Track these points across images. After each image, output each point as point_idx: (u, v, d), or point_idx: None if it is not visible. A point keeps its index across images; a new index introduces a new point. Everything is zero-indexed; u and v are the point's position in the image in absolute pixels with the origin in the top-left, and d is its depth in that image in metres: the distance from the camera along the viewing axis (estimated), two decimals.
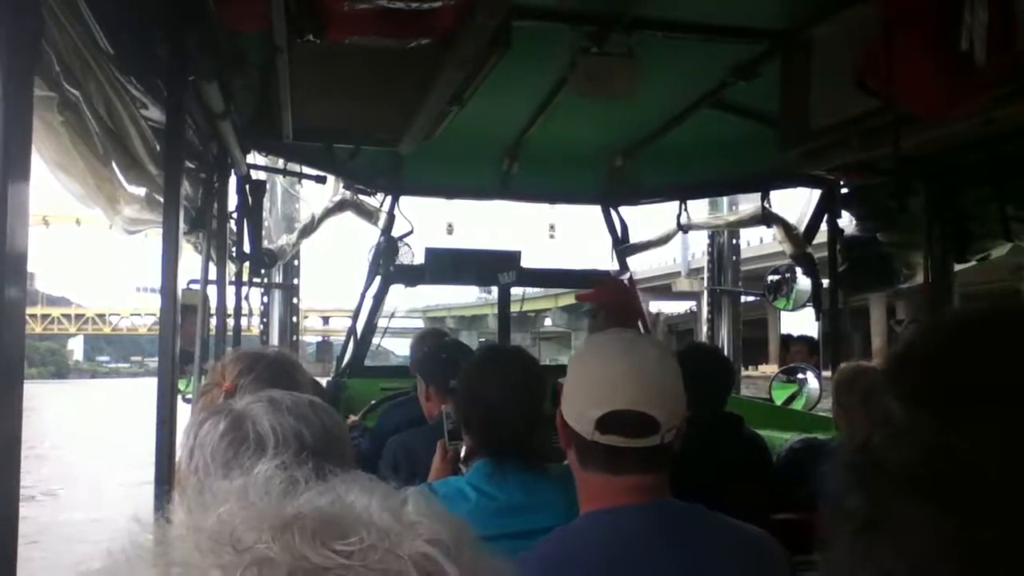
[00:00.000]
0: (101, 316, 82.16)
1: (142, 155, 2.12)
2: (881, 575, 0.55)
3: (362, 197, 4.93)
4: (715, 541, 1.47)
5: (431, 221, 5.38)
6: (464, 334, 46.65)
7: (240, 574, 0.45)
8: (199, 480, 1.26)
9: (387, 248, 4.89)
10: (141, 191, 2.28)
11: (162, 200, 2.33)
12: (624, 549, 1.42)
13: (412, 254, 5.00)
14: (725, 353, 6.70)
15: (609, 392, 1.45)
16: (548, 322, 49.32)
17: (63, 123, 1.63)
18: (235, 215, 3.89)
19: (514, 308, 5.31)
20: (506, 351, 2.38)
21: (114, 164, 1.97)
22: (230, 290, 3.94)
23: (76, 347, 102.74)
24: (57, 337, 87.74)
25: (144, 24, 2.06)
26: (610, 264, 5.37)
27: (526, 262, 4.97)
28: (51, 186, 1.87)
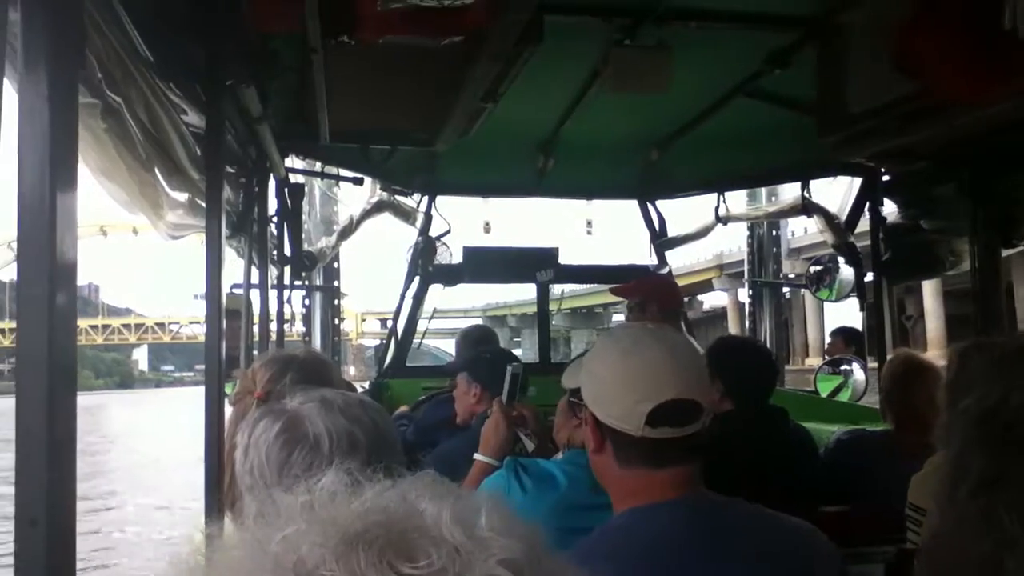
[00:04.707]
0: (161, 325, 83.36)
1: (183, 160, 2.16)
2: (997, 531, 0.57)
3: (399, 198, 4.97)
4: (757, 533, 1.46)
5: (470, 221, 5.40)
6: (527, 332, 46.39)
7: None
8: (253, 480, 1.29)
9: (425, 248, 4.92)
10: (183, 196, 2.32)
11: (203, 204, 2.36)
12: (665, 545, 1.42)
13: (450, 253, 5.03)
14: (767, 346, 6.64)
15: (656, 384, 1.44)
16: (619, 317, 48.72)
17: (106, 130, 1.66)
18: (275, 219, 3.93)
19: (552, 306, 5.31)
20: None
21: (157, 170, 2.01)
22: (272, 293, 3.99)
23: (141, 357, 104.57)
24: (121, 348, 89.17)
25: (180, 30, 2.10)
26: (648, 259, 5.35)
27: (564, 259, 4.97)
28: (103, 195, 1.91)
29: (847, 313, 5.15)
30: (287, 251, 4.12)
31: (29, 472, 1.00)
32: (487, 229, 5.44)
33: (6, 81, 1.02)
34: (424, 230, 4.94)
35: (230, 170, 2.88)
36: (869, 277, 4.46)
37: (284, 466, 1.26)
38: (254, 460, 1.29)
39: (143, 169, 1.90)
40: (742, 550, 1.43)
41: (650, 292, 4.02)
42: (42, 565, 0.98)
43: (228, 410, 2.56)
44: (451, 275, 4.94)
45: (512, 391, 2.44)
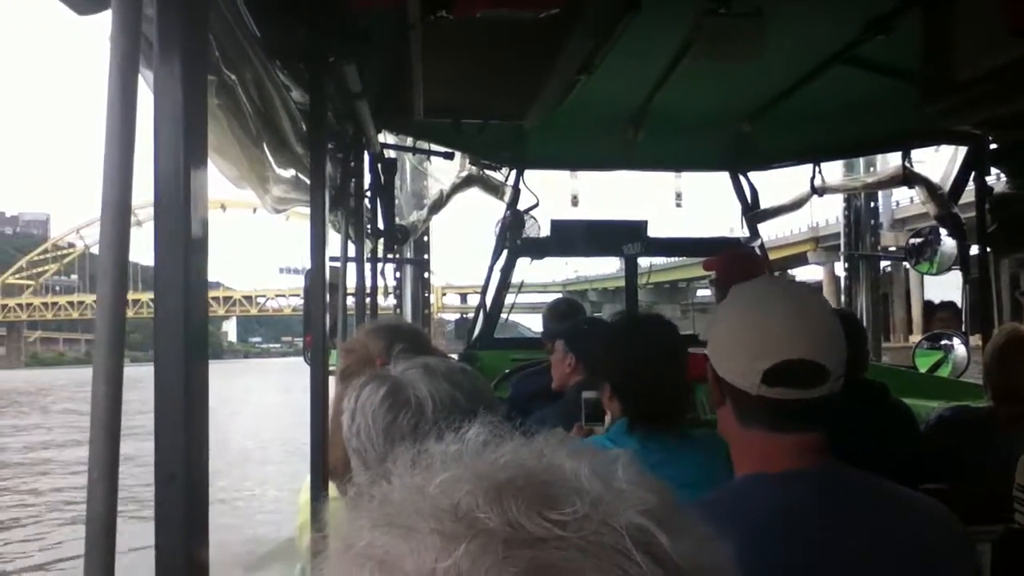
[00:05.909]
0: (248, 298, 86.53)
1: (290, 137, 2.22)
2: None
3: (488, 172, 5.01)
4: (888, 510, 1.38)
5: (558, 194, 5.42)
6: (607, 307, 46.15)
7: (463, 547, 0.45)
8: (360, 443, 1.34)
9: (513, 222, 4.96)
10: (289, 172, 2.39)
11: (306, 179, 2.43)
12: (789, 516, 1.35)
13: (538, 227, 5.06)
14: (864, 322, 6.48)
15: (776, 341, 1.36)
16: (703, 292, 47.68)
17: (219, 106, 1.73)
18: (368, 193, 4.01)
19: (640, 279, 5.29)
20: (649, 319, 2.39)
21: (265, 145, 2.07)
22: (367, 267, 4.07)
23: (230, 329, 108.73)
24: (212, 320, 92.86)
25: (284, 7, 2.15)
26: (740, 231, 5.27)
27: (653, 231, 4.94)
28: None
29: (953, 287, 4.96)
30: (380, 225, 4.20)
31: (167, 431, 1.06)
32: (575, 202, 5.44)
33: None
34: (512, 204, 4.96)
35: (329, 146, 2.94)
36: (974, 250, 4.30)
37: (390, 429, 1.31)
38: (360, 424, 1.34)
39: (253, 146, 1.97)
40: (870, 525, 1.36)
41: (739, 266, 3.97)
42: (180, 516, 1.04)
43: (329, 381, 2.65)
44: (539, 248, 4.97)
45: (588, 414, 2.48)
